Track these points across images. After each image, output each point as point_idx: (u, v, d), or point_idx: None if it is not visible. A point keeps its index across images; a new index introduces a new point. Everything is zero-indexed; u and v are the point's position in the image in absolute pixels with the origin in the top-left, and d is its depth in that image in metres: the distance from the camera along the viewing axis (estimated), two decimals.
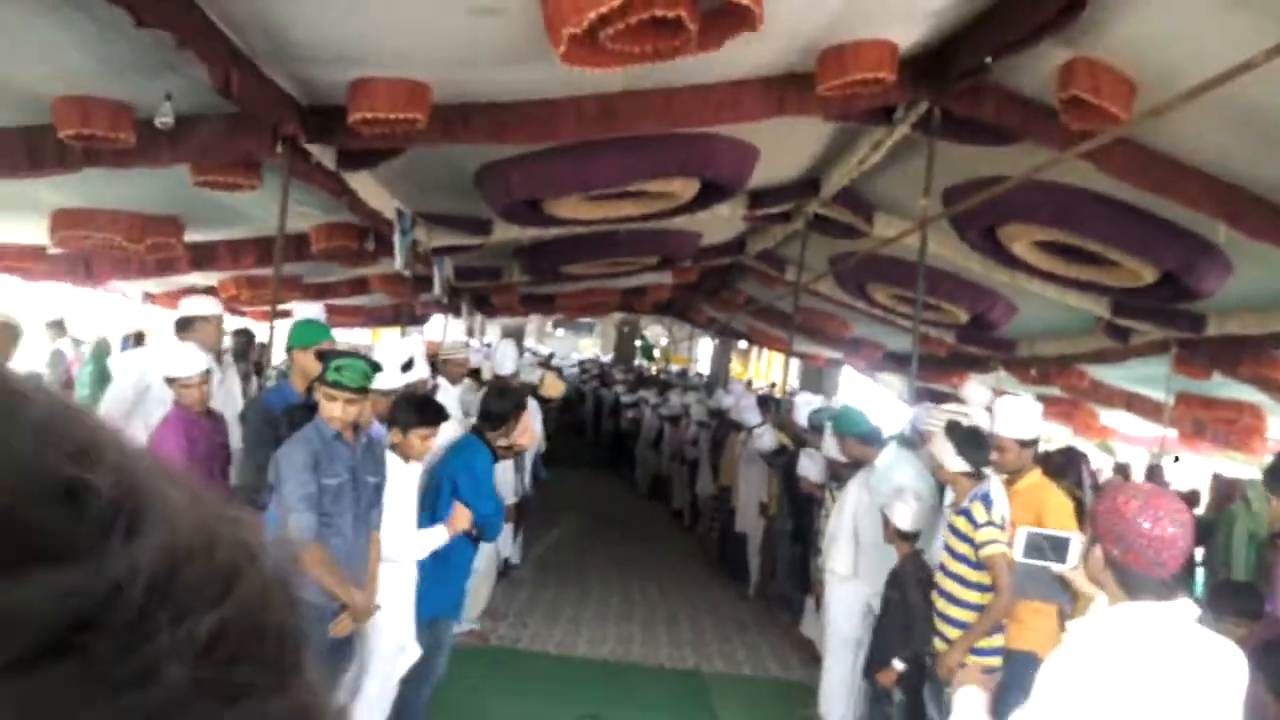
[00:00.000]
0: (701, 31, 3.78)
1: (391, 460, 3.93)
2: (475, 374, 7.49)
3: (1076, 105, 4.35)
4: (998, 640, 3.89)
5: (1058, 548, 2.42)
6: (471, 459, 4.35)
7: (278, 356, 6.08)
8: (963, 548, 3.88)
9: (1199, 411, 8.92)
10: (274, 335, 5.80)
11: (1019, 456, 4.16)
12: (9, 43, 4.00)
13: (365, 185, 6.45)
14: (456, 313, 12.69)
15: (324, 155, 5.61)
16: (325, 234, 7.87)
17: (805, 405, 7.17)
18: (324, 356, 3.72)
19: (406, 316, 9.81)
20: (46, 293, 9.41)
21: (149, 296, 10.26)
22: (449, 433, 4.57)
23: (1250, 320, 6.60)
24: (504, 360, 7.09)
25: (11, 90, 4.46)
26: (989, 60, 4.55)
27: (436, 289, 9.38)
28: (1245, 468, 11.14)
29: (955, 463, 3.99)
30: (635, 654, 6.58)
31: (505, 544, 7.30)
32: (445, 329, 11.59)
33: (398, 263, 7.54)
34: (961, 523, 3.90)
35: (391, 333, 11.39)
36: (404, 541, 3.91)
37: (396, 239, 7.34)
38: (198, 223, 7.36)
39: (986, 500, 3.86)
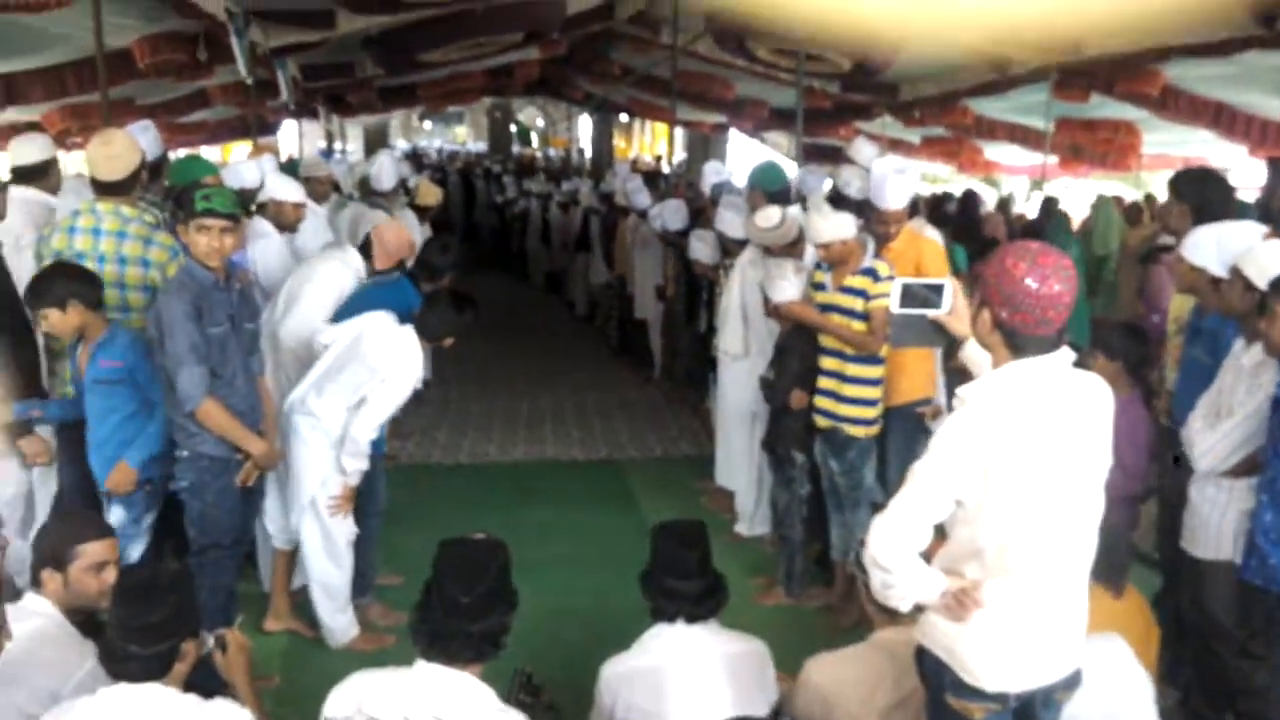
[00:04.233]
0: None
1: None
2: (336, 187, 6.97)
3: None
4: (877, 398, 4.06)
5: (933, 294, 2.43)
6: (403, 304, 3.96)
7: None
8: (855, 302, 3.94)
9: (1078, 135, 9.00)
10: None
11: (899, 223, 4.18)
12: None
13: None
14: (312, 116, 11.76)
15: None
16: (151, 47, 6.98)
17: (714, 175, 6.66)
18: (179, 193, 3.57)
19: (256, 127, 9.01)
20: None
21: None
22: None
23: (1123, 39, 6.47)
24: (383, 175, 6.55)
25: None
26: None
27: (284, 93, 8.58)
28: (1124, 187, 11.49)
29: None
30: (549, 453, 6.60)
31: None
32: (301, 136, 10.73)
33: (240, 69, 6.79)
34: (860, 280, 3.93)
35: (243, 147, 10.53)
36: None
37: (234, 42, 6.56)
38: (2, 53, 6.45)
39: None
